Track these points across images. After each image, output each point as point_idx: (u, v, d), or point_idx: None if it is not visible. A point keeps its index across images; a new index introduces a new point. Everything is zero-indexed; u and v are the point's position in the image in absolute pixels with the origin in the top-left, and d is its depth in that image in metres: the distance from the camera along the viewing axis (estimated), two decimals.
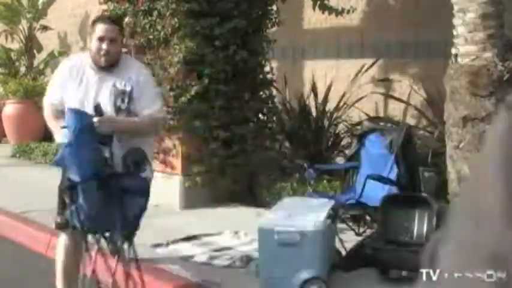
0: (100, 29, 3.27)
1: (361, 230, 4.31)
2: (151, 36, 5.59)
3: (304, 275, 3.25)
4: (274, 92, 6.31)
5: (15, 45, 11.02)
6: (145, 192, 3.00)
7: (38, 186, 6.57)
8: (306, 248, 3.27)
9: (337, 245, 3.81)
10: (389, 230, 3.75)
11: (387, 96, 6.71)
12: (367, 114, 6.37)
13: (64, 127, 2.99)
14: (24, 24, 10.74)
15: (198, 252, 3.93)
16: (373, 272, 3.61)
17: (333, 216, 3.58)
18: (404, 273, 3.45)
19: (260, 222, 3.43)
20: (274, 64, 6.39)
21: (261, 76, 5.99)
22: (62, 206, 3.19)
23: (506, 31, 4.60)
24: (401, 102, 6.59)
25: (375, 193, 4.05)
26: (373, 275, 3.60)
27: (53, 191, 6.02)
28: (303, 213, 3.49)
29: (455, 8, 4.62)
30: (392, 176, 4.38)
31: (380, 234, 3.76)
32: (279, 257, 3.31)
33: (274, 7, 6.15)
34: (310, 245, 3.28)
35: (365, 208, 4.06)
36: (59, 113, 3.29)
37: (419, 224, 3.70)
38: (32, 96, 9.79)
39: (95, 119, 3.00)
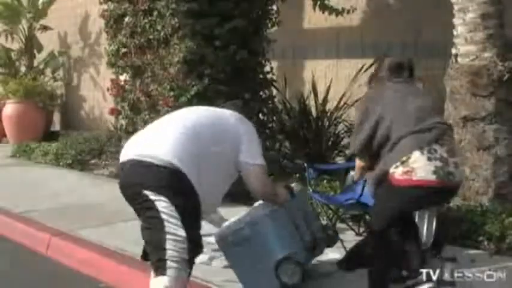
0: None
1: (361, 230, 4.31)
2: (151, 36, 5.59)
3: (276, 256, 3.14)
4: (274, 92, 6.32)
5: (15, 45, 11.03)
6: None
7: (38, 186, 6.58)
8: (261, 236, 3.15)
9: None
10: None
11: None
12: None
13: None
14: (24, 24, 10.75)
15: None
16: None
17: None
18: (404, 273, 3.45)
19: (214, 235, 3.33)
20: (274, 64, 6.38)
21: (261, 76, 5.99)
22: None
23: (506, 31, 4.60)
24: None
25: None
26: None
27: (53, 191, 5.99)
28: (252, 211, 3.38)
29: (455, 8, 4.62)
30: None
31: None
32: (245, 257, 3.20)
33: (274, 7, 6.15)
34: (264, 232, 3.16)
35: (365, 208, 4.05)
36: None
37: (420, 224, 3.70)
38: (32, 96, 9.80)
39: None
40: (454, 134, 3.34)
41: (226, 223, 3.41)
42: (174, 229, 2.61)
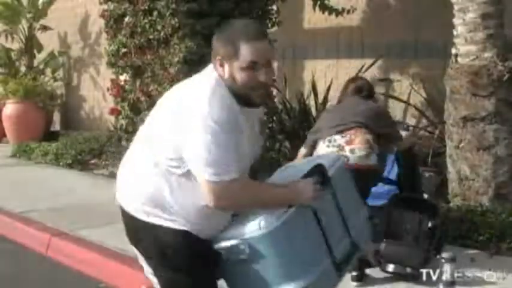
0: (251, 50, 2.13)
1: None
2: (151, 36, 5.59)
3: None
4: (274, 92, 6.31)
5: (15, 45, 11.02)
6: None
7: (38, 186, 6.58)
8: (260, 261, 2.02)
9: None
10: (392, 231, 3.75)
11: (387, 96, 6.71)
12: None
13: None
14: (24, 24, 10.74)
15: None
16: (374, 271, 3.62)
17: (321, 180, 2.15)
18: (408, 270, 3.47)
19: None
20: (274, 64, 6.38)
21: None
22: None
23: (506, 31, 4.60)
24: (401, 102, 6.59)
25: (375, 193, 4.05)
26: (374, 275, 3.61)
27: (53, 191, 6.00)
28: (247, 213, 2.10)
29: (455, 8, 4.62)
30: (393, 175, 4.38)
31: (383, 235, 3.75)
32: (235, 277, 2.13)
33: (274, 7, 6.15)
34: (267, 254, 2.01)
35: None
36: None
37: (423, 226, 3.70)
38: (32, 96, 9.80)
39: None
40: (370, 131, 3.76)
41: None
42: None
